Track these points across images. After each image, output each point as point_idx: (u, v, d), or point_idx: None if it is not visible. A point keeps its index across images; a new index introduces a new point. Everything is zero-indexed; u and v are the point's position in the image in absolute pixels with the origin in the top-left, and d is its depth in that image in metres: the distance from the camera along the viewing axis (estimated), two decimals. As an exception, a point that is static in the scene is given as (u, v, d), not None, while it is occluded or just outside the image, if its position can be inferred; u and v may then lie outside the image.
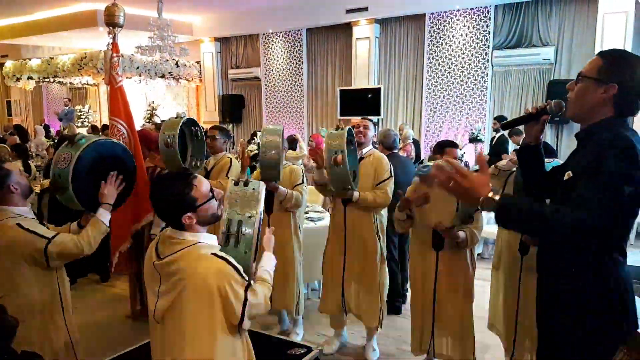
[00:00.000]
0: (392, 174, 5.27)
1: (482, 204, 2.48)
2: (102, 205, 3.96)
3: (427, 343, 4.86)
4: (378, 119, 14.58)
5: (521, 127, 3.06)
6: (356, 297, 5.37)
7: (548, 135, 12.24)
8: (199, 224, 2.79)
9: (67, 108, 19.52)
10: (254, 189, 2.99)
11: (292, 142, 10.92)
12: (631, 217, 2.58)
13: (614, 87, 2.52)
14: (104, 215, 3.94)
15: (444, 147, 4.93)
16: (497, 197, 2.45)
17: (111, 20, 5.39)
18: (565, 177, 2.67)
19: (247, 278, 2.76)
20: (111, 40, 5.43)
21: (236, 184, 3.03)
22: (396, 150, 6.81)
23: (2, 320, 2.47)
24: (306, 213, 6.51)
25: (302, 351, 4.48)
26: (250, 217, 2.87)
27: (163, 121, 13.69)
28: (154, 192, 2.83)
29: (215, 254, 2.70)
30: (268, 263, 3.12)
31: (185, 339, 2.70)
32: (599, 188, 2.36)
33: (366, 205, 5.14)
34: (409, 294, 6.22)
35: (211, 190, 2.84)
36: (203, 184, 2.80)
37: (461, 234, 4.45)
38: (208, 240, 2.81)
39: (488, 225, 7.64)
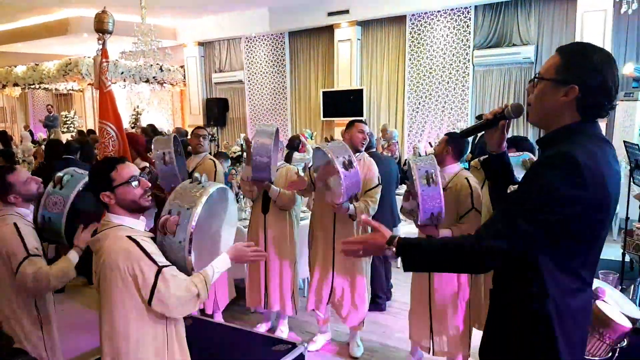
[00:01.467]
0: (381, 181, 5.30)
1: (388, 253, 2.39)
2: (75, 248, 3.96)
3: (427, 339, 4.97)
4: (362, 120, 14.68)
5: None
6: (341, 297, 5.41)
7: (530, 134, 12.40)
8: (120, 206, 2.92)
9: (51, 115, 19.50)
10: (203, 187, 3.04)
11: (294, 142, 10.98)
12: (587, 242, 2.25)
13: (574, 88, 2.19)
14: (75, 258, 3.93)
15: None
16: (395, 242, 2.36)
17: (101, 27, 5.46)
18: (509, 191, 2.60)
19: (161, 264, 2.80)
20: (101, 47, 5.50)
21: (191, 181, 3.12)
22: (374, 149, 6.91)
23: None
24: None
25: (286, 347, 4.51)
26: (188, 209, 2.91)
27: (150, 125, 13.76)
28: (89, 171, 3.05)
29: (129, 237, 2.80)
30: (218, 264, 3.09)
31: (104, 314, 2.83)
32: (516, 210, 2.18)
33: (360, 214, 5.07)
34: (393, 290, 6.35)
35: (135, 177, 2.94)
36: (126, 169, 2.94)
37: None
38: (131, 225, 2.93)
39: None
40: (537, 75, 2.33)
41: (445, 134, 5.01)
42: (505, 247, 2.15)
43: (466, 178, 4.65)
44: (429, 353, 4.98)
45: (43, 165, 8.90)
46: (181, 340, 3.09)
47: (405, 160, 10.74)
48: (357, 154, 5.17)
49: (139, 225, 2.98)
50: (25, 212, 3.91)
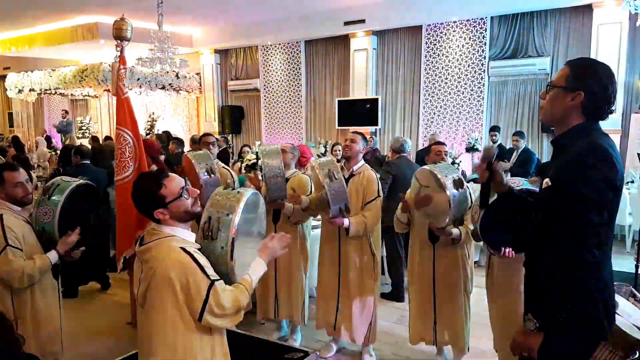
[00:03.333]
0: (381, 194, 5.32)
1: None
2: (51, 252, 4.04)
3: (431, 333, 5.15)
4: (376, 129, 14.72)
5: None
6: (348, 317, 5.42)
7: (545, 145, 12.40)
8: (174, 219, 2.93)
9: (64, 120, 19.59)
10: (238, 192, 3.10)
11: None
12: (611, 217, 2.66)
13: (580, 94, 2.68)
14: (53, 259, 4.02)
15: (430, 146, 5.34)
16: None
17: (119, 34, 5.50)
18: (544, 186, 2.80)
19: (213, 277, 2.82)
20: (119, 53, 5.54)
21: (225, 187, 3.16)
22: (405, 154, 7.17)
23: (10, 337, 2.52)
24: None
25: (299, 355, 4.54)
26: (227, 214, 2.96)
27: (165, 132, 13.78)
28: (133, 194, 2.99)
29: (183, 248, 2.82)
30: (255, 269, 3.12)
31: (152, 326, 2.83)
32: (568, 225, 2.56)
33: (360, 229, 5.11)
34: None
35: (184, 189, 2.96)
36: (173, 182, 2.94)
37: (455, 230, 4.76)
38: (183, 236, 2.94)
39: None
40: (550, 83, 2.84)
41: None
42: (594, 246, 2.55)
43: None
44: (432, 344, 5.24)
45: (57, 172, 8.95)
46: (225, 352, 3.12)
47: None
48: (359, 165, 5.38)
49: (190, 237, 2.99)
50: (17, 208, 4.00)
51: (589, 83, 2.68)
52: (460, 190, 4.48)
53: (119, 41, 5.55)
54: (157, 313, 2.81)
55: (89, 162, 8.08)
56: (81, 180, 4.53)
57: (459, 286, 5.04)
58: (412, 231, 5.31)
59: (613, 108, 2.82)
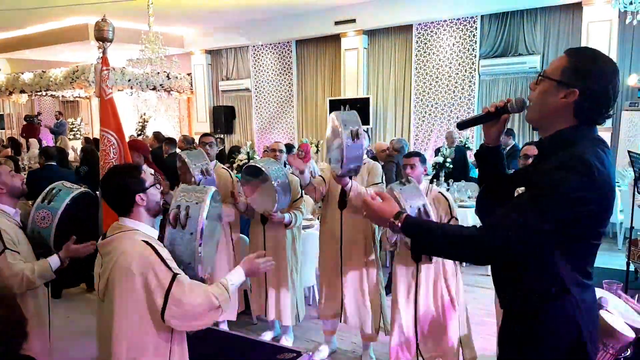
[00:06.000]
0: (384, 181, 5.29)
1: (391, 226, 2.42)
2: (59, 254, 3.96)
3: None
4: (367, 129, 14.71)
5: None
6: (355, 304, 5.36)
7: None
8: (147, 209, 2.96)
9: (59, 121, 19.55)
10: (204, 186, 3.25)
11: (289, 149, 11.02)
12: (594, 238, 2.33)
13: (575, 92, 2.23)
14: (55, 263, 3.93)
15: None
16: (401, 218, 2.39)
17: (101, 35, 5.46)
18: (516, 194, 2.53)
19: (175, 270, 2.79)
20: (101, 54, 5.52)
21: (191, 183, 3.25)
22: (405, 153, 7.26)
23: (20, 320, 2.54)
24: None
25: (291, 356, 4.50)
26: (197, 203, 3.00)
27: (156, 132, 13.77)
28: (107, 182, 2.99)
29: (146, 241, 2.81)
30: (234, 276, 3.08)
31: (113, 318, 2.78)
32: (531, 208, 2.19)
33: (358, 195, 4.92)
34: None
35: (156, 179, 3.03)
36: (147, 172, 3.03)
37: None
38: (146, 231, 2.94)
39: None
40: (541, 74, 2.37)
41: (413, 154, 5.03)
42: (518, 242, 2.20)
43: (439, 192, 4.92)
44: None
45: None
46: (184, 353, 3.06)
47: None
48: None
49: (154, 233, 2.99)
50: (10, 210, 3.93)
51: (588, 79, 2.23)
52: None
53: (100, 42, 5.53)
54: (117, 306, 2.77)
55: (55, 163, 8.15)
56: (82, 189, 4.50)
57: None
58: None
59: (612, 112, 2.36)
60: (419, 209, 4.12)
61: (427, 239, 2.37)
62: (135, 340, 2.79)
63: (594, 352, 2.34)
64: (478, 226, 2.33)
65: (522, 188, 2.46)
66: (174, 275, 2.76)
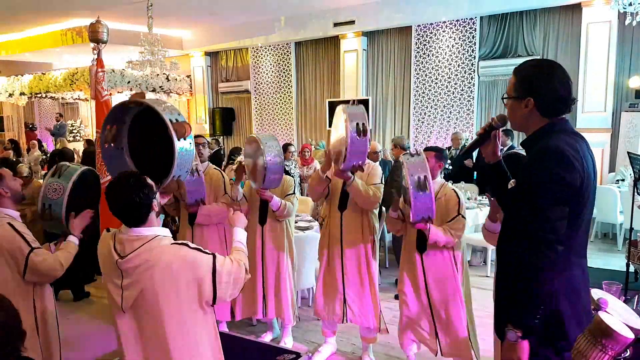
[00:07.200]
0: (383, 182, 5.29)
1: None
2: (70, 237, 3.98)
3: (434, 342, 4.84)
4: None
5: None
6: (356, 305, 5.32)
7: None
8: (156, 212, 2.98)
9: (58, 123, 19.55)
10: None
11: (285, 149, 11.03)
12: (575, 219, 2.64)
13: (530, 100, 2.69)
14: (76, 243, 3.98)
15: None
16: None
17: (95, 37, 5.47)
18: (509, 186, 2.90)
19: (211, 253, 2.93)
20: (96, 56, 5.51)
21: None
22: (407, 151, 7.19)
23: (16, 322, 2.54)
24: (295, 222, 6.58)
25: (291, 357, 4.51)
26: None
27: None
28: (119, 198, 2.88)
29: (175, 243, 2.89)
30: (237, 235, 3.32)
31: (164, 322, 2.84)
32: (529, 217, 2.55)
33: (358, 192, 4.98)
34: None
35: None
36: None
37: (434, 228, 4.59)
38: (162, 233, 2.95)
39: (476, 232, 7.75)
40: (503, 96, 2.85)
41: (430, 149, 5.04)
42: (556, 242, 2.52)
43: (452, 189, 4.92)
44: (436, 355, 4.89)
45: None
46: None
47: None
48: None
49: (166, 232, 3.00)
50: (14, 214, 3.91)
51: (535, 87, 2.68)
52: None
53: (95, 44, 5.52)
54: (165, 307, 2.83)
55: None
56: (85, 167, 4.51)
57: (454, 292, 4.79)
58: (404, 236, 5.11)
59: (575, 99, 2.80)
60: (419, 178, 4.32)
61: (528, 307, 2.59)
62: (191, 336, 2.91)
63: (576, 325, 2.65)
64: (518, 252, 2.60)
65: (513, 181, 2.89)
66: (214, 258, 2.91)
